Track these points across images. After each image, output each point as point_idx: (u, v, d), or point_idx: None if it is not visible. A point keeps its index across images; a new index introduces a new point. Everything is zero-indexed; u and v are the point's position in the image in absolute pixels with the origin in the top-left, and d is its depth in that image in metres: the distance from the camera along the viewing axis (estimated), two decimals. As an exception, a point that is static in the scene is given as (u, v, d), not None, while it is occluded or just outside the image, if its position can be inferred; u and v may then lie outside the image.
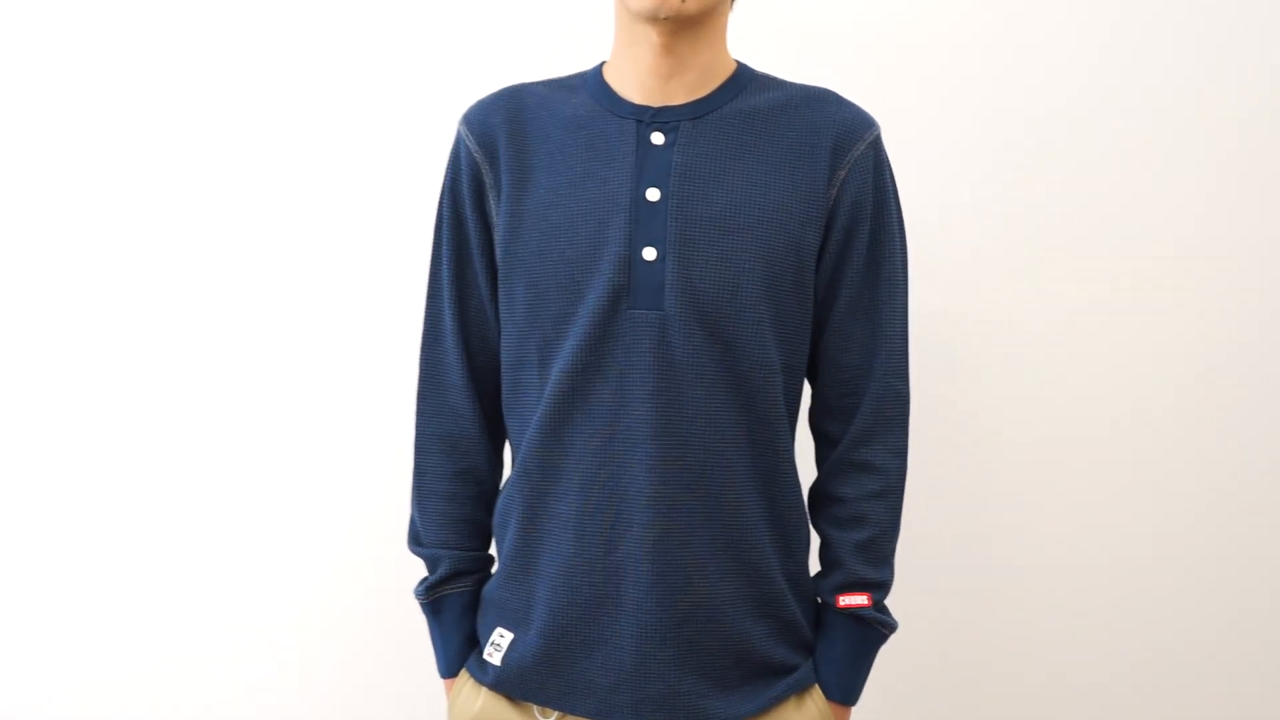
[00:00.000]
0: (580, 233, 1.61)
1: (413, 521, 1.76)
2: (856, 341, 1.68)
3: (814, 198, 1.62)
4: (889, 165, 1.70)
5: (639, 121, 1.63)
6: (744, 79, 1.68)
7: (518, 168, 1.66)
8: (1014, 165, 2.25)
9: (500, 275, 1.67)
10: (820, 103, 1.67)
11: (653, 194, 1.60)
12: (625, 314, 1.59)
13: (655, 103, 1.64)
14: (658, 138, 1.63)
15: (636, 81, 1.65)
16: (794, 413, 1.69)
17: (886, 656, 1.75)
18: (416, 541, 1.75)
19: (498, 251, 1.67)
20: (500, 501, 1.70)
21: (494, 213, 1.68)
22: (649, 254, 1.59)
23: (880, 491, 1.69)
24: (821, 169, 1.63)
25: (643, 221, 1.60)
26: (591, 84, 1.69)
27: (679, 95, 1.64)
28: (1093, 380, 2.28)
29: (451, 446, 1.74)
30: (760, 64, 1.82)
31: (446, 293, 1.73)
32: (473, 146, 1.69)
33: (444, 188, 1.73)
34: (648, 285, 1.59)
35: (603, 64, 1.71)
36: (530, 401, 1.67)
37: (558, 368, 1.62)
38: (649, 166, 1.62)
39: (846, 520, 1.69)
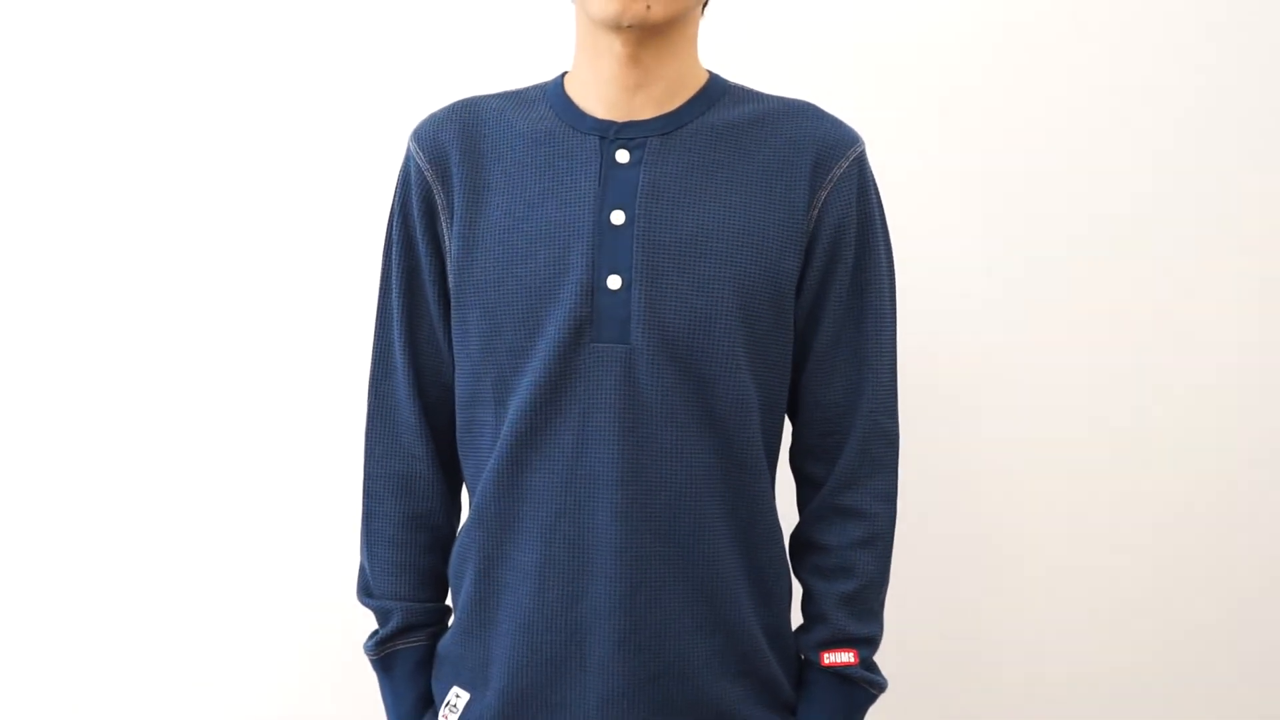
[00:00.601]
0: (538, 259, 1.48)
1: (362, 570, 1.63)
2: (840, 376, 1.56)
3: (793, 220, 1.50)
4: (875, 184, 1.57)
5: (602, 138, 1.51)
6: (716, 91, 1.55)
7: (471, 188, 1.53)
8: (1005, 176, 2.13)
9: (453, 305, 1.55)
10: (800, 116, 1.54)
11: (617, 217, 1.48)
12: (588, 348, 1.47)
13: (620, 117, 1.51)
14: (623, 155, 1.50)
15: (600, 94, 1.52)
16: (774, 454, 1.57)
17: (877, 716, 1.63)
18: (366, 592, 1.63)
19: (450, 279, 1.55)
20: (456, 549, 1.58)
21: (446, 236, 1.55)
22: (613, 282, 1.47)
23: (867, 539, 1.56)
24: (801, 189, 1.50)
25: (606, 247, 1.47)
26: (552, 96, 1.56)
27: (646, 109, 1.51)
28: (1079, 390, 2.16)
29: (403, 489, 1.61)
30: (734, 74, 1.69)
31: (396, 323, 1.60)
32: (423, 164, 1.56)
33: (393, 209, 1.60)
34: (612, 316, 1.46)
35: (564, 74, 1.58)
36: (486, 442, 1.54)
37: (515, 406, 1.50)
38: (613, 187, 1.49)
39: (831, 570, 1.56)
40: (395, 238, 1.60)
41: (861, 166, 1.54)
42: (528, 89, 1.61)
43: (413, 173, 1.58)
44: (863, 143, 1.55)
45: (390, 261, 1.60)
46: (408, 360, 1.60)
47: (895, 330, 1.58)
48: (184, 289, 2.18)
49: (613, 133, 1.51)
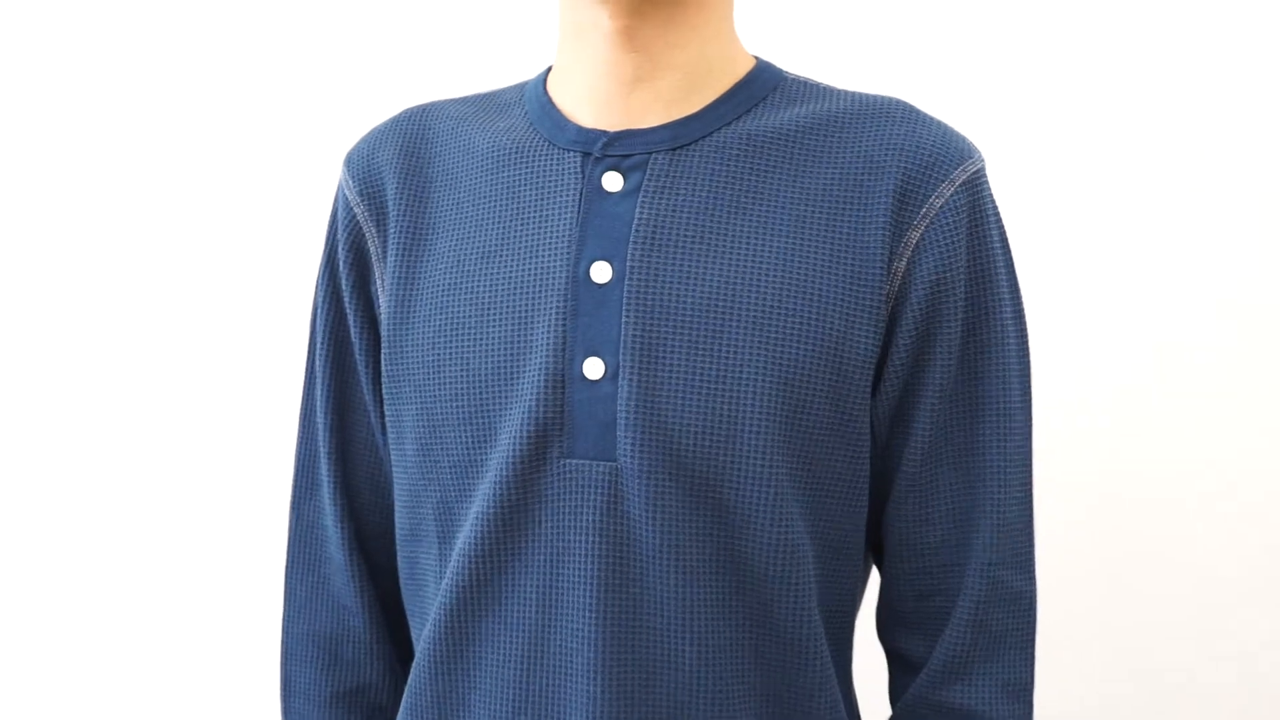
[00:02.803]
0: (490, 335, 1.02)
1: (283, 759, 1.18)
2: (943, 508, 1.05)
3: (866, 274, 1.00)
4: (997, 219, 1.06)
5: (585, 154, 1.03)
6: (762, 85, 1.06)
7: (410, 230, 1.08)
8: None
9: (385, 395, 1.09)
10: (883, 120, 1.04)
11: (600, 271, 1.00)
12: (556, 466, 1.00)
13: (613, 124, 1.04)
14: (613, 180, 1.02)
15: (586, 92, 1.05)
16: (844, 623, 1.06)
17: None
18: None
19: (382, 361, 1.09)
20: None
21: (379, 299, 1.10)
22: (592, 369, 0.99)
23: (986, 759, 1.03)
24: (879, 227, 1.01)
25: (584, 316, 1.00)
26: (530, 99, 1.09)
27: (650, 112, 1.04)
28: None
29: (330, 655, 1.16)
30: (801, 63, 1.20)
31: (322, 423, 1.15)
32: (353, 198, 1.12)
33: (321, 263, 1.15)
34: (590, 419, 0.99)
35: (549, 70, 1.11)
36: (429, 593, 1.09)
37: (458, 549, 1.03)
38: (596, 227, 1.02)
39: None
40: (320, 303, 1.15)
41: (976, 194, 1.03)
42: (504, 90, 1.15)
43: (340, 211, 1.13)
44: (979, 158, 1.04)
45: (315, 337, 1.16)
46: (337, 475, 1.15)
47: (1029, 436, 1.05)
48: (182, 288, 1.92)
49: (599, 147, 1.03)
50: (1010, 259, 1.06)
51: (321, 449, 1.15)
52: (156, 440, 1.91)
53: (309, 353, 1.17)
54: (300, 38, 1.84)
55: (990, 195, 1.05)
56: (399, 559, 1.11)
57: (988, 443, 1.03)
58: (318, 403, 1.15)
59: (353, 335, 1.12)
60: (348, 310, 1.12)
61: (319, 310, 1.15)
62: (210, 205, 1.88)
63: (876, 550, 1.10)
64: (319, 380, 1.15)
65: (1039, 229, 1.66)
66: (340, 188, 1.13)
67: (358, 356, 1.12)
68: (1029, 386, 1.05)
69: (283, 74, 1.85)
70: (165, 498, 1.92)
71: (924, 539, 1.05)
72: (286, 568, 1.18)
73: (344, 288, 1.12)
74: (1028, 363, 1.06)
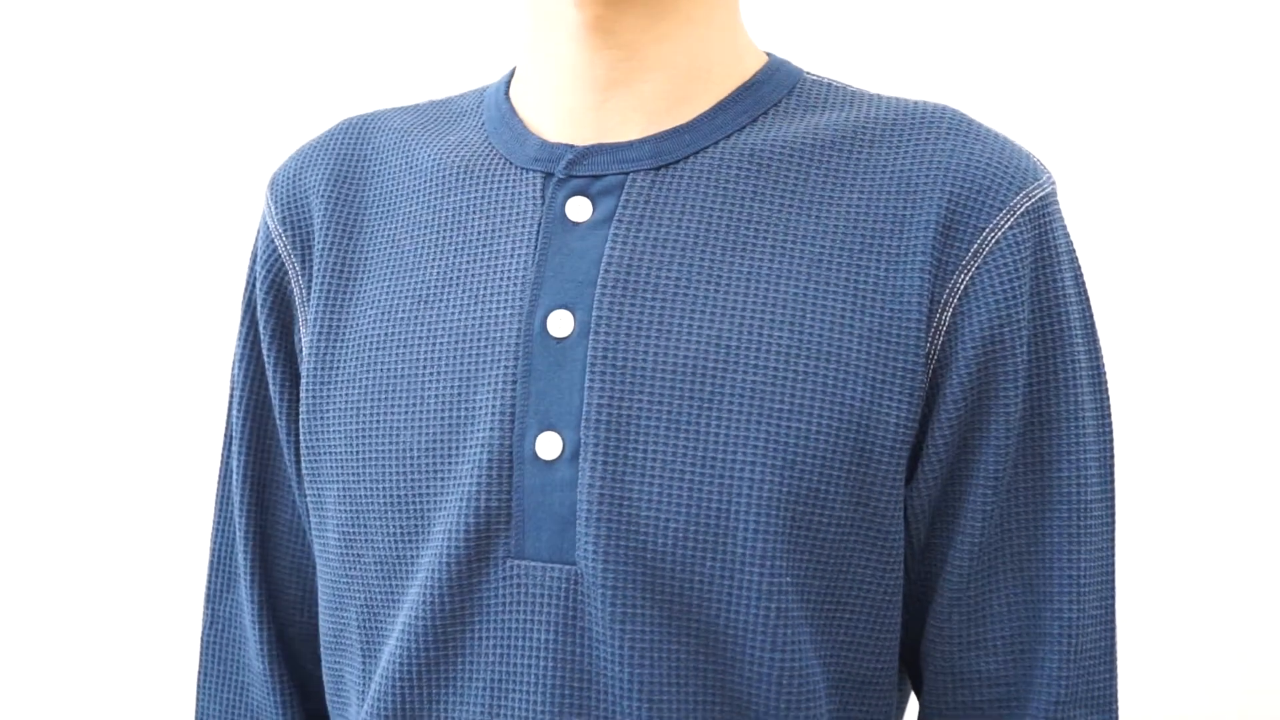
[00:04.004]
0: (426, 400, 0.82)
1: None
2: (1001, 630, 0.82)
3: (900, 330, 0.78)
4: (1071, 259, 0.83)
5: (546, 175, 0.82)
6: (774, 87, 0.85)
7: (337, 266, 0.88)
8: None
9: (304, 472, 0.89)
10: (925, 132, 0.82)
11: (559, 323, 0.79)
12: (502, 568, 0.79)
13: (583, 137, 0.83)
14: (579, 208, 0.81)
15: (552, 98, 0.84)
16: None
17: None
18: None
19: (300, 425, 0.88)
20: None
21: (300, 353, 0.90)
22: (547, 446, 0.78)
23: None
24: (917, 269, 0.79)
25: (539, 378, 0.79)
26: (489, 106, 0.88)
27: (629, 123, 0.83)
28: None
29: (247, 785, 0.95)
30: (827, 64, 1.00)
31: (239, 501, 0.95)
32: (275, 228, 0.91)
33: (241, 305, 0.95)
34: (545, 510, 0.79)
35: (514, 71, 0.90)
36: (352, 716, 0.87)
37: (382, 667, 0.82)
38: (557, 266, 0.81)
39: None
40: (239, 355, 0.95)
41: (1043, 226, 0.81)
42: (462, 96, 0.94)
43: (260, 244, 0.93)
44: (1049, 180, 0.82)
45: (231, 396, 0.96)
46: (255, 567, 0.94)
47: (1111, 539, 0.82)
48: (180, 288, 1.85)
49: (564, 165, 0.82)
50: (1088, 309, 0.83)
51: (239, 534, 0.94)
52: (155, 441, 1.85)
53: (226, 415, 0.96)
54: (299, 36, 1.76)
55: (1062, 228, 0.82)
56: (324, 670, 0.90)
57: (1057, 547, 0.80)
58: (234, 479, 0.95)
59: (273, 395, 0.92)
60: (267, 364, 0.92)
61: (236, 364, 0.94)
62: (209, 204, 1.81)
63: (914, 678, 0.87)
64: (236, 451, 0.94)
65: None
66: (263, 216, 0.92)
67: (279, 421, 0.92)
68: (1110, 474, 0.82)
69: (277, 72, 1.77)
70: (164, 498, 1.85)
71: (975, 669, 0.82)
72: (198, 677, 0.97)
73: (263, 337, 0.91)
74: (1109, 442, 0.83)
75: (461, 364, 0.81)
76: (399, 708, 0.81)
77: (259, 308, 0.91)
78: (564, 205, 0.81)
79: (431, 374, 0.81)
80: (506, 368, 0.79)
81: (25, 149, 1.84)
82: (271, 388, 0.92)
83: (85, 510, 1.87)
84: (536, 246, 0.81)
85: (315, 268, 0.88)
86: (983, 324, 0.78)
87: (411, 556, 0.81)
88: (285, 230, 0.90)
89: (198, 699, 0.97)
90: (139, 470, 1.86)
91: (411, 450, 0.81)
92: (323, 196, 0.89)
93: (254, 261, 0.93)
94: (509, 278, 0.81)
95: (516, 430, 0.78)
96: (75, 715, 1.87)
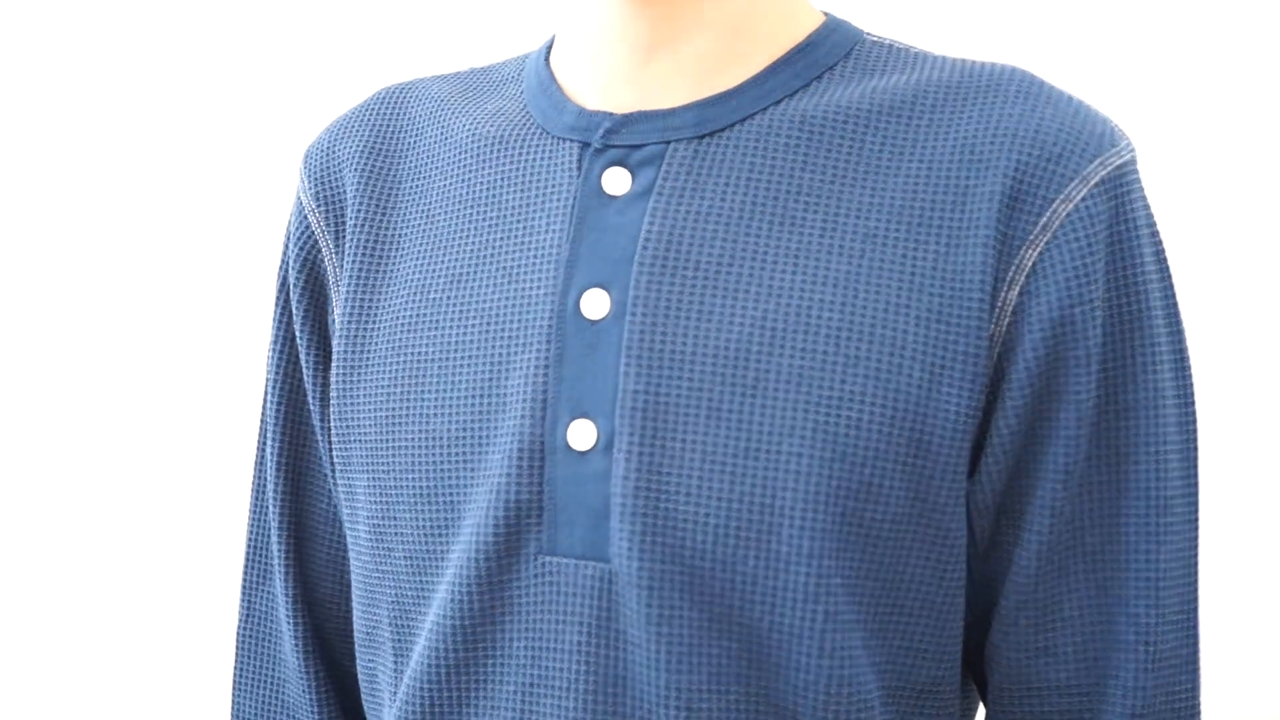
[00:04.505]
0: (456, 386, 0.77)
1: None
2: (1073, 636, 0.76)
3: (961, 311, 0.72)
4: (1151, 234, 0.76)
5: (584, 145, 0.77)
6: (830, 49, 0.79)
7: (370, 244, 0.84)
8: None
9: (335, 461, 0.85)
10: (991, 97, 0.76)
11: (594, 303, 0.74)
12: (534, 565, 0.75)
13: (623, 105, 0.77)
14: (616, 180, 0.76)
15: (591, 63, 0.79)
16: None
17: None
18: None
19: (331, 413, 0.84)
20: None
21: (334, 334, 0.86)
22: (580, 436, 0.74)
23: None
24: (981, 244, 0.72)
25: (572, 363, 0.74)
26: (530, 74, 0.84)
27: (672, 87, 0.77)
28: None
29: (282, 781, 0.91)
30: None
31: (274, 492, 0.91)
32: (309, 205, 0.87)
33: (276, 287, 0.91)
34: (578, 504, 0.74)
35: (555, 37, 0.85)
36: (386, 716, 0.83)
37: (411, 667, 0.78)
38: (592, 242, 0.76)
39: None
40: (274, 339, 0.91)
41: (1121, 197, 0.74)
42: (504, 63, 0.89)
43: (294, 222, 0.89)
44: (1127, 146, 0.75)
45: (267, 383, 0.92)
46: (291, 559, 0.90)
47: (1195, 539, 0.76)
48: (179, 288, 1.85)
49: (601, 135, 0.77)
50: (1170, 288, 0.77)
51: (273, 526, 0.91)
52: (154, 440, 1.85)
53: (262, 403, 0.93)
54: (298, 27, 1.74)
55: (1142, 200, 0.75)
56: (358, 667, 0.86)
57: (1134, 547, 0.74)
58: (269, 468, 0.91)
59: (307, 380, 0.88)
60: (300, 348, 0.88)
61: (271, 349, 0.91)
62: (207, 203, 1.80)
63: (980, 685, 0.81)
64: (270, 439, 0.91)
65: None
66: (297, 193, 0.88)
67: (313, 407, 0.88)
68: (1193, 467, 0.75)
69: (276, 65, 1.76)
70: (164, 498, 1.85)
71: (1044, 678, 0.75)
72: (234, 673, 0.94)
73: (296, 318, 0.88)
74: (1193, 433, 0.76)
75: (493, 347, 0.76)
76: (427, 711, 0.77)
77: (292, 289, 0.88)
78: (600, 177, 0.76)
79: (463, 358, 0.77)
80: (538, 351, 0.74)
81: (61, 136, 1.84)
82: (305, 372, 0.88)
83: (125, 504, 1.87)
84: (571, 222, 0.76)
85: (348, 244, 0.84)
86: (1052, 304, 0.72)
87: (442, 551, 0.77)
88: (318, 205, 0.86)
89: (234, 695, 0.93)
90: (182, 463, 1.86)
91: (442, 439, 0.77)
92: (356, 169, 0.85)
93: (288, 240, 0.89)
94: (542, 255, 0.76)
95: (548, 418, 0.74)
96: (116, 710, 1.88)
